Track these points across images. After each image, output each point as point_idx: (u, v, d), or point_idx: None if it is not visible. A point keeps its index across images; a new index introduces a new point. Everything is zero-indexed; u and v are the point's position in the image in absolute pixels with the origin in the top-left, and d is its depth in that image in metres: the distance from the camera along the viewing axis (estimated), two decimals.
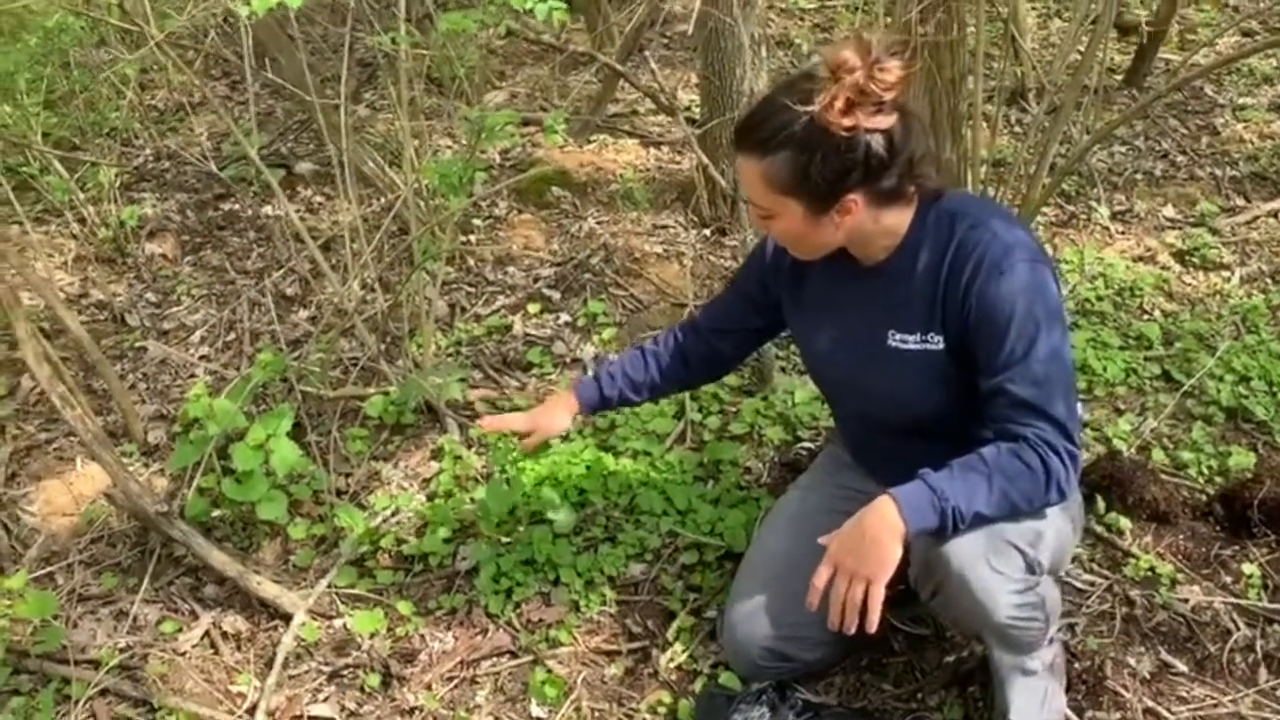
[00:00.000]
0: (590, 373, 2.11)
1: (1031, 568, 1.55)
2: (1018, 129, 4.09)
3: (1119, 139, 4.07)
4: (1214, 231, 3.46)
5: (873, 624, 1.45)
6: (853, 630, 1.47)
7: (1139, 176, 3.82)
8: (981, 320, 1.55)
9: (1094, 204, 3.59)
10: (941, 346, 1.62)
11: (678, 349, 2.03)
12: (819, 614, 1.53)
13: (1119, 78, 4.53)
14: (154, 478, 2.48)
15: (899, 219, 1.62)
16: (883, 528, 1.47)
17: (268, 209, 3.51)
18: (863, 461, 1.94)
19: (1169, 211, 3.61)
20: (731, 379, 2.66)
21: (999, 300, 1.53)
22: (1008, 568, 1.52)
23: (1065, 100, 2.53)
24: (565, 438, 2.52)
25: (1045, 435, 1.50)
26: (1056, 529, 1.60)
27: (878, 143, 1.51)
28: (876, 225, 1.61)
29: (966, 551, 1.50)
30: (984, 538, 1.51)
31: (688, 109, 4.01)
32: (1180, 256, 3.35)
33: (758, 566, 1.90)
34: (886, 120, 1.51)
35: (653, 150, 3.94)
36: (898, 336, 1.66)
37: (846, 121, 1.48)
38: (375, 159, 3.32)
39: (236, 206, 3.53)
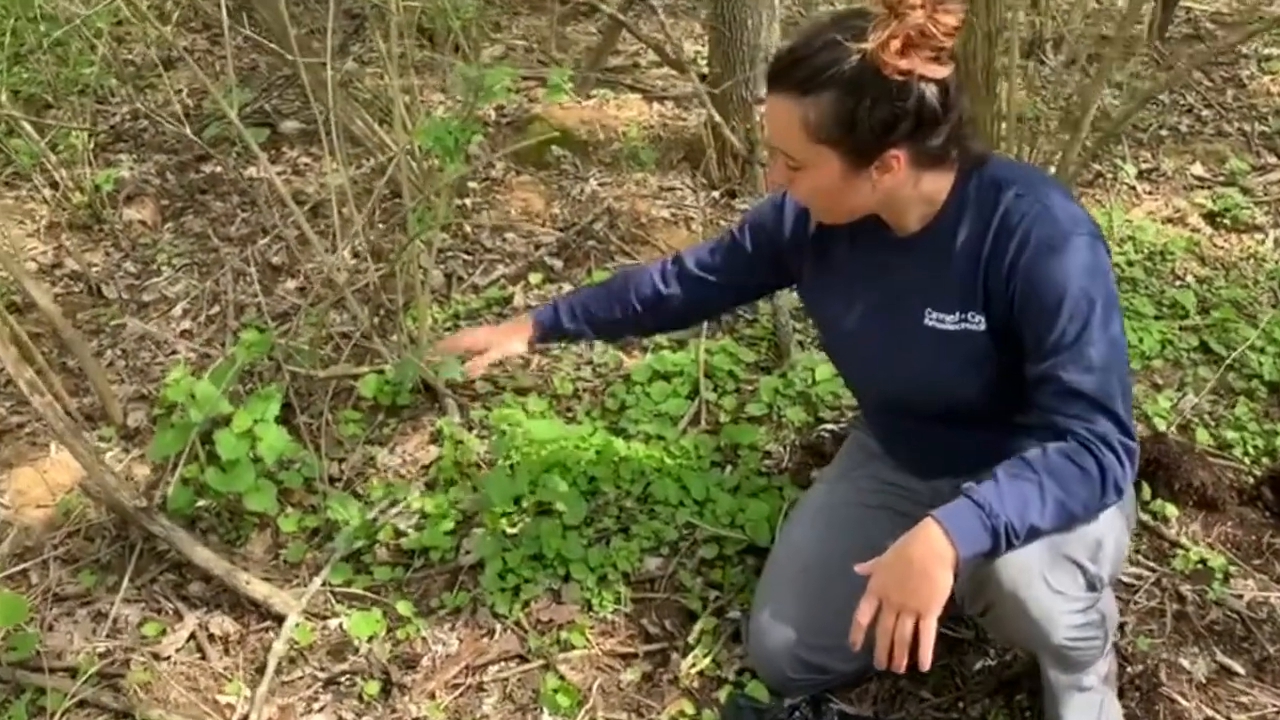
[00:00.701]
0: (552, 300, 1.93)
1: (1092, 584, 1.41)
2: (1036, 83, 3.91)
3: (1144, 92, 3.89)
4: (1245, 191, 3.30)
5: (925, 661, 1.31)
6: (903, 668, 1.33)
7: (1164, 133, 3.65)
8: (1029, 299, 1.40)
9: (1119, 162, 3.43)
10: (983, 327, 1.47)
11: (655, 295, 1.83)
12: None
13: (1139, 28, 4.34)
14: (134, 465, 2.33)
15: (939, 185, 1.46)
16: (930, 556, 1.32)
17: (252, 171, 3.32)
18: (893, 451, 1.79)
19: (1197, 170, 3.44)
20: (747, 354, 2.51)
21: (1050, 278, 1.38)
22: (1067, 585, 1.38)
23: (1108, 54, 2.35)
24: (572, 419, 2.37)
25: (1098, 429, 1.36)
26: (1115, 536, 1.46)
27: (932, 94, 1.35)
28: (915, 190, 1.45)
29: (1021, 569, 1.36)
30: (1040, 552, 1.37)
31: (693, 62, 3.81)
32: (1211, 218, 3.19)
33: (785, 568, 1.76)
34: (942, 70, 1.34)
35: (656, 106, 3.75)
36: (934, 315, 1.51)
37: (903, 64, 1.31)
38: (364, 117, 3.14)
39: (219, 169, 3.35)
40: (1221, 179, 3.38)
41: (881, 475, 1.80)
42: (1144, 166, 3.45)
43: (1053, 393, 1.38)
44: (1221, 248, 3.06)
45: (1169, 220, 3.17)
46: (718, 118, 2.63)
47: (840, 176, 1.40)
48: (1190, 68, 3.38)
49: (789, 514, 1.94)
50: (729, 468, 2.20)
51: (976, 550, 1.32)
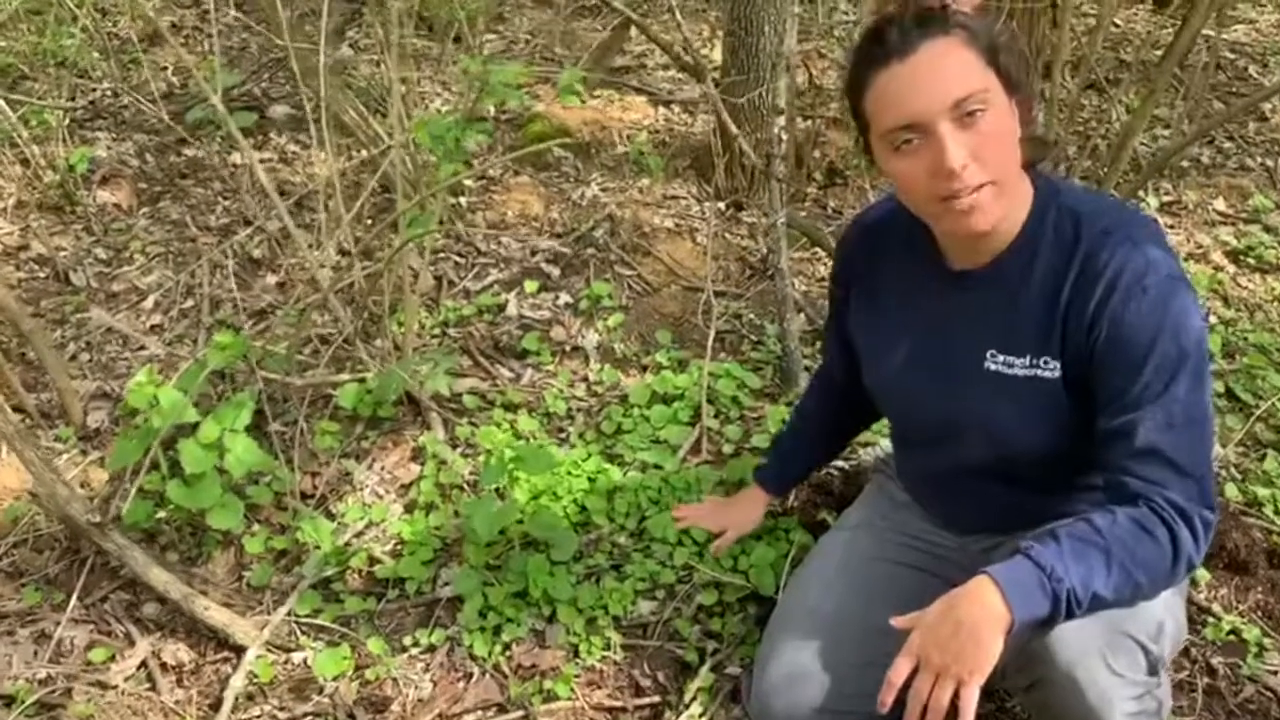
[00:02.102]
0: (765, 461, 1.95)
1: (1154, 667, 1.28)
2: (1054, 107, 3.77)
3: (1161, 121, 3.77)
4: (1269, 230, 3.18)
5: None
6: None
7: (1186, 164, 3.53)
8: (1112, 347, 1.26)
9: (1140, 193, 3.30)
10: (1056, 374, 1.33)
11: (823, 399, 1.84)
12: (879, 689, 1.25)
13: (1157, 54, 4.22)
14: (92, 469, 2.17)
15: (1021, 200, 1.34)
16: (983, 617, 1.18)
17: (236, 157, 3.16)
18: (926, 502, 1.65)
19: (1220, 205, 3.32)
20: (753, 379, 2.36)
21: (1138, 325, 1.24)
22: (1128, 668, 1.25)
23: (1156, 81, 2.21)
24: (565, 439, 2.22)
25: (1174, 497, 1.23)
26: (1175, 616, 1.33)
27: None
28: (1015, 191, 1.32)
29: (1080, 646, 1.23)
30: (1100, 629, 1.23)
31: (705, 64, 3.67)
32: (1234, 256, 3.07)
33: (797, 625, 1.61)
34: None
35: (662, 109, 3.61)
36: (1001, 358, 1.37)
37: None
38: (357, 107, 2.97)
39: (202, 153, 3.18)
40: (1244, 215, 3.26)
41: (908, 528, 1.66)
42: (1165, 199, 3.33)
43: (1127, 451, 1.25)
44: (1245, 288, 2.94)
45: (1191, 256, 3.05)
46: (733, 127, 2.48)
47: (1009, 114, 1.27)
48: (1250, 105, 3.26)
49: (799, 563, 1.79)
50: None
51: (1033, 615, 1.19)
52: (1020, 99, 1.28)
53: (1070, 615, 1.20)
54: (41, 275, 2.67)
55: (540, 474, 1.96)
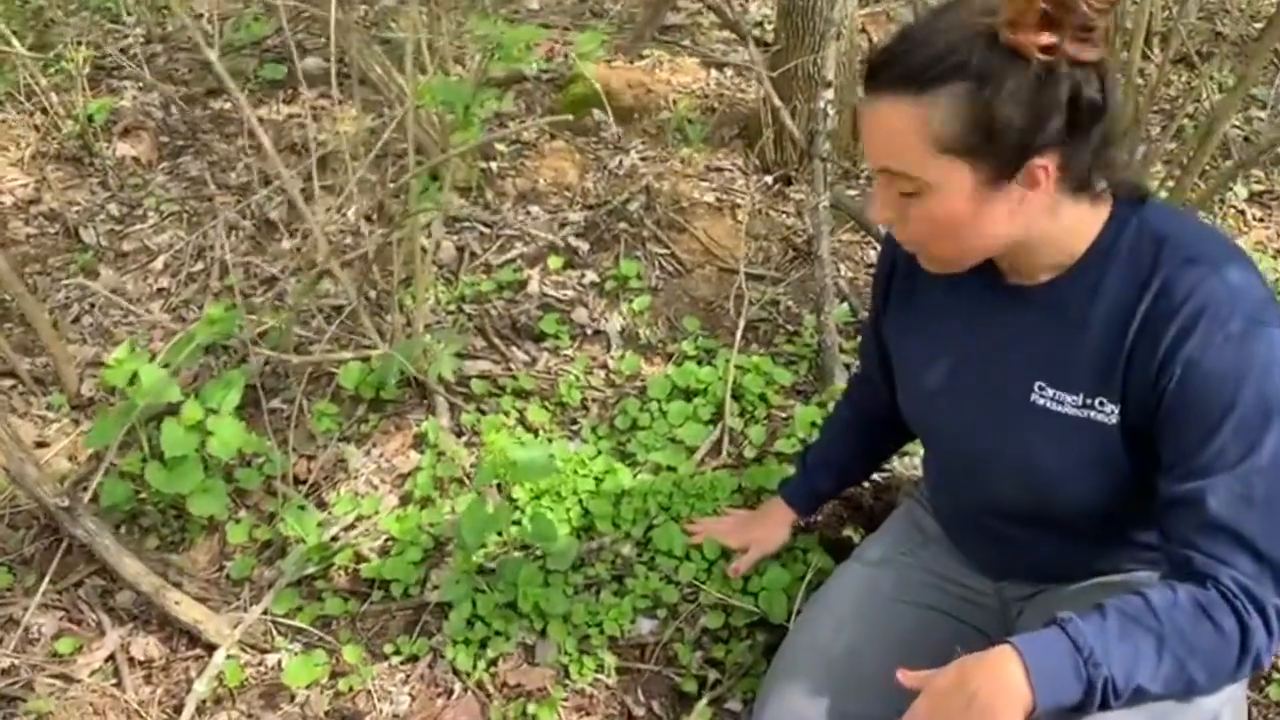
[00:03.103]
0: (794, 469, 1.76)
1: None
2: (1138, 82, 3.49)
3: (1257, 101, 3.47)
4: None
5: None
6: None
7: None
8: (1185, 398, 1.07)
9: (1229, 182, 3.02)
10: (1114, 420, 1.14)
11: (860, 408, 1.66)
12: None
13: (1258, 26, 3.89)
14: (82, 441, 2.07)
15: (1083, 222, 1.14)
16: (1000, 695, 1.01)
17: (264, 110, 3.03)
18: (959, 540, 1.47)
19: None
20: (783, 374, 2.18)
21: (1217, 374, 1.05)
22: None
23: (1253, 57, 1.96)
24: (577, 432, 2.07)
25: (1248, 581, 1.04)
26: (1234, 708, 1.15)
27: (1087, 82, 1.02)
28: (1054, 222, 1.12)
29: None
30: None
31: (759, 24, 3.45)
32: None
33: (803, 665, 1.44)
34: (1094, 52, 1.01)
35: (714, 74, 3.39)
36: (1050, 392, 1.19)
37: (1043, 39, 0.99)
38: (384, 63, 2.82)
39: (229, 105, 3.05)
40: None
41: (937, 566, 1.48)
42: (1256, 188, 3.05)
43: (1195, 522, 1.06)
44: None
45: None
46: (776, 99, 2.28)
47: (971, 198, 1.07)
48: None
49: (817, 586, 1.62)
50: None
51: (1060, 702, 1.02)
52: (1020, 176, 1.06)
53: (1105, 706, 1.02)
54: (52, 231, 2.58)
55: (535, 481, 1.81)
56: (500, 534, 1.81)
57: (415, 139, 2.14)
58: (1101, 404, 1.15)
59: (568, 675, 1.65)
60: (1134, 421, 1.13)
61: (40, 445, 2.06)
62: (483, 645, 1.68)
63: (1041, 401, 1.19)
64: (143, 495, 1.91)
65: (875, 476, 1.92)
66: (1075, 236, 1.13)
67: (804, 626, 1.50)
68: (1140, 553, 1.29)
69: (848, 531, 1.83)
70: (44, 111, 2.84)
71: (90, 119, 2.75)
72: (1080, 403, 1.16)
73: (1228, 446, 1.04)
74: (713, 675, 1.64)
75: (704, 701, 1.59)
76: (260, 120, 2.99)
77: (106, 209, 2.65)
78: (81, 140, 2.80)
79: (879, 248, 2.13)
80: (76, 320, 2.34)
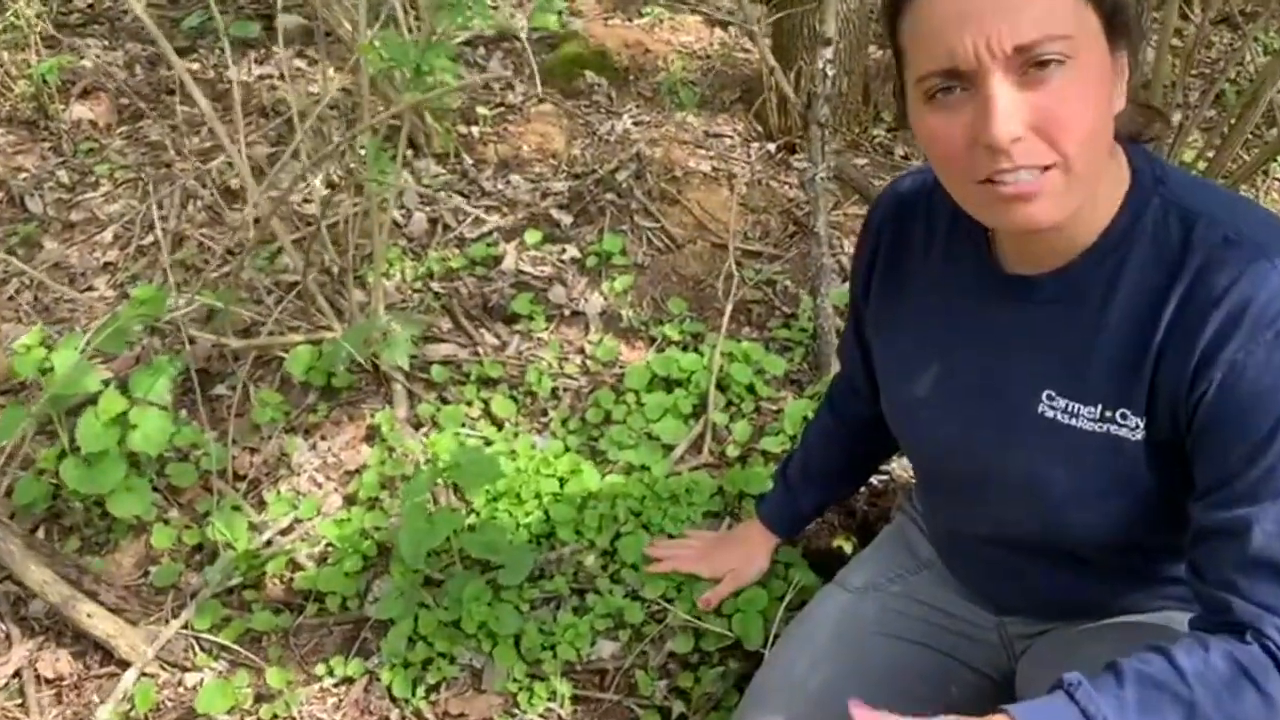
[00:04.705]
0: (771, 485, 1.55)
1: None
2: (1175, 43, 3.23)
3: None
4: None
5: None
6: None
7: None
8: (1227, 408, 0.87)
9: (1276, 154, 2.77)
10: (1138, 435, 0.95)
11: (842, 416, 1.44)
12: None
13: None
14: None
15: (1114, 182, 0.94)
16: None
17: (231, 73, 2.83)
18: (954, 566, 1.28)
19: None
20: (775, 363, 1.98)
21: (1267, 381, 0.85)
22: None
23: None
24: (546, 425, 1.89)
25: None
26: None
27: None
28: (1105, 167, 0.92)
29: None
30: None
31: None
32: None
33: (775, 701, 1.25)
34: None
35: (718, 33, 3.17)
36: (1061, 403, 0.98)
37: None
38: (355, 18, 2.61)
39: (197, 66, 2.87)
40: None
41: (928, 596, 1.29)
42: None
43: (1237, 559, 0.87)
44: None
45: None
46: (770, 59, 2.06)
47: (1106, 64, 0.86)
48: None
49: (799, 607, 1.43)
50: (726, 523, 1.69)
51: None
52: (1129, 49, 0.88)
53: None
54: None
55: (479, 485, 1.63)
56: (454, 537, 1.62)
57: (377, 102, 1.95)
58: (1123, 416, 0.94)
59: (516, 705, 1.47)
60: (1163, 437, 0.93)
61: None
62: (423, 668, 1.51)
63: (1051, 414, 0.99)
64: (63, 493, 1.74)
65: (873, 481, 1.73)
66: (1104, 201, 0.93)
67: (778, 658, 1.31)
68: (1167, 589, 1.10)
69: (838, 541, 1.64)
70: None
71: (44, 80, 2.57)
72: (1097, 415, 0.96)
73: (1277, 468, 0.84)
74: (678, 708, 1.46)
75: None
76: (229, 82, 2.80)
77: (56, 175, 2.47)
78: (36, 102, 2.62)
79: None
80: (14, 297, 2.17)
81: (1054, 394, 0.99)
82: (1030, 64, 0.81)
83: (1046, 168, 0.84)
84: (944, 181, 0.93)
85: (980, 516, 1.13)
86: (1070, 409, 0.98)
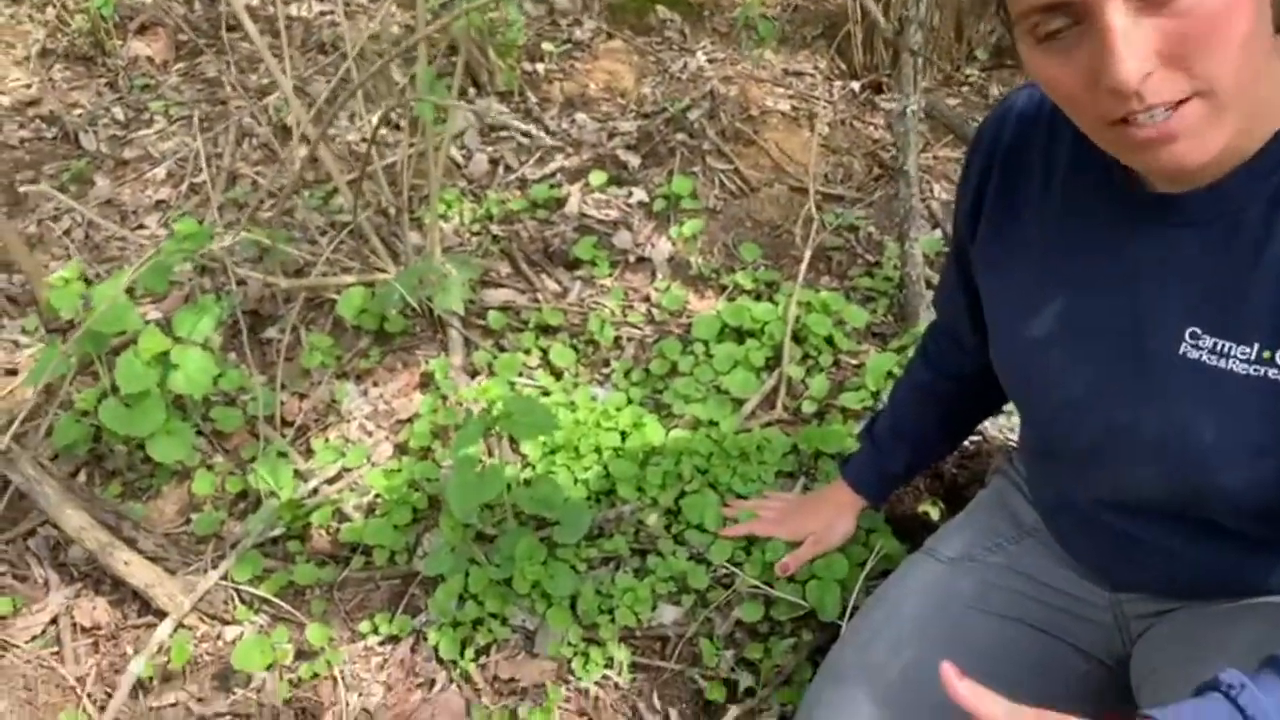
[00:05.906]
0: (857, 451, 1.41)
1: None
2: None
3: None
4: None
5: None
6: None
7: None
8: None
9: None
10: None
11: (940, 368, 1.28)
12: None
13: None
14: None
15: (1271, 81, 0.76)
16: None
17: (293, 9, 2.74)
18: (1065, 538, 1.13)
19: None
20: (857, 314, 1.84)
21: None
22: None
23: None
24: (608, 377, 1.77)
25: None
26: None
27: None
28: (1268, 70, 0.75)
29: None
30: None
31: None
32: None
33: (851, 684, 1.12)
34: None
35: None
36: (1209, 342, 0.84)
37: None
38: None
39: (256, 1, 2.78)
40: None
41: (1031, 568, 1.15)
42: None
43: None
44: None
45: None
46: None
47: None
48: None
49: (881, 577, 1.30)
50: (801, 484, 1.56)
51: None
52: None
53: None
54: (47, 135, 2.34)
55: (533, 437, 1.52)
56: (504, 494, 1.52)
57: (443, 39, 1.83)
58: None
59: (570, 671, 1.36)
60: None
61: (10, 373, 1.84)
62: (474, 628, 1.41)
63: (1197, 354, 0.84)
64: (105, 436, 1.67)
65: (965, 443, 1.58)
66: (1266, 107, 0.77)
67: (857, 632, 1.18)
68: None
69: (924, 507, 1.50)
70: (55, 5, 2.60)
71: (101, 15, 2.50)
72: (1253, 356, 0.81)
73: None
74: (745, 680, 1.34)
75: (732, 715, 1.29)
76: (290, 18, 2.71)
77: (111, 112, 2.40)
78: (94, 37, 2.55)
79: None
80: (65, 234, 2.11)
81: (1200, 331, 0.84)
82: None
83: (1184, 100, 0.69)
84: (1076, 123, 0.79)
85: (1104, 476, 0.98)
86: (1219, 348, 0.83)
